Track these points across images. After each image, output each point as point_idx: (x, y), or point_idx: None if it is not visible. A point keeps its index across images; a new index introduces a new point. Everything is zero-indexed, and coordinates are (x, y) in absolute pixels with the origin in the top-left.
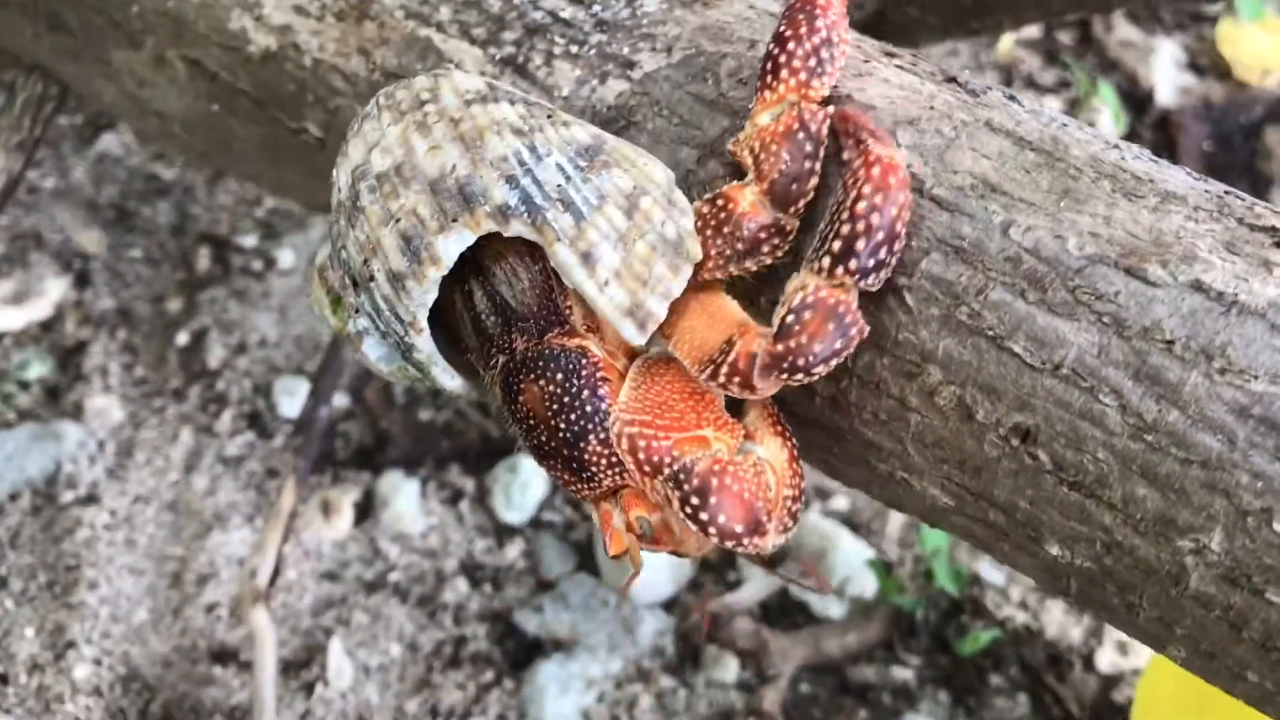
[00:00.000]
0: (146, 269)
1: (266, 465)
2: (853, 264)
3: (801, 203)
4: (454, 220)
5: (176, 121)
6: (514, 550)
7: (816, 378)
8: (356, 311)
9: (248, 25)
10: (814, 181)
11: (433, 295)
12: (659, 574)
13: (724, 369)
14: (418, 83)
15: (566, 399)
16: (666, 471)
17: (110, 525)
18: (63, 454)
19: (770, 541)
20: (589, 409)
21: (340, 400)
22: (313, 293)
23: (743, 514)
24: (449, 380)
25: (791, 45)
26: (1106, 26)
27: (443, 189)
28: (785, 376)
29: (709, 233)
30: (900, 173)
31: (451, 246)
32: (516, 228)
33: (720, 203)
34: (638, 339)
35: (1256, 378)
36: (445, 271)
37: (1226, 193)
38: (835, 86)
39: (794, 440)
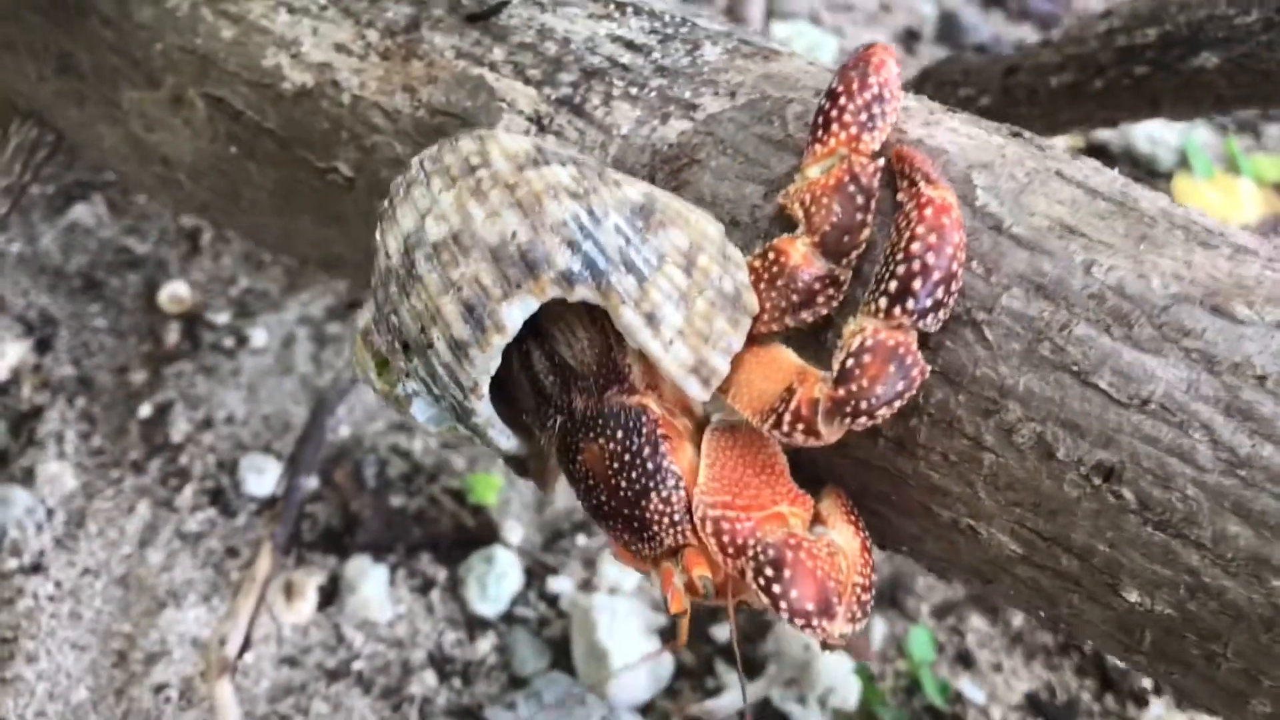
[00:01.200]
0: (111, 339)
1: (227, 544)
2: (910, 304)
3: (854, 254)
4: (518, 287)
5: (183, 168)
6: (486, 644)
7: (880, 420)
8: (408, 376)
9: (283, 62)
10: (866, 233)
11: (496, 362)
12: (637, 676)
13: (787, 417)
14: (464, 146)
15: (627, 457)
16: (750, 553)
17: (55, 597)
18: (9, 519)
19: (838, 628)
20: (650, 466)
21: (309, 481)
22: (356, 355)
23: (815, 592)
24: (505, 441)
25: (843, 100)
26: None
27: (505, 256)
28: (849, 421)
29: (763, 286)
30: (953, 212)
31: (516, 313)
32: (582, 293)
33: (773, 256)
34: (703, 395)
35: None
36: (510, 339)
37: None
38: (903, 132)
39: (866, 531)
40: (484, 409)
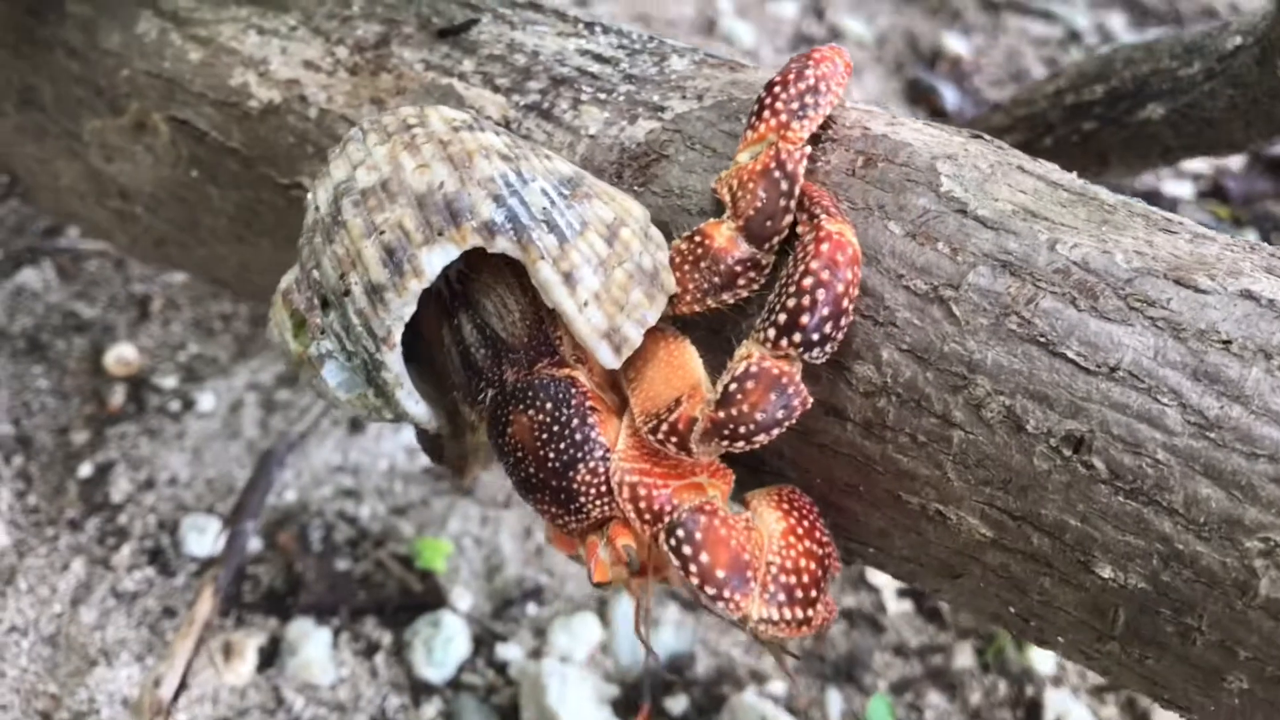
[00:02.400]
0: (54, 400)
1: (164, 603)
2: (797, 337)
3: (776, 239)
4: (439, 234)
5: (141, 199)
6: (431, 709)
7: (757, 445)
8: (323, 333)
9: (250, 80)
10: (788, 219)
11: (410, 309)
12: None
13: (663, 427)
14: (404, 110)
15: (556, 428)
16: (666, 520)
17: None
18: None
19: (755, 607)
20: (578, 437)
21: (252, 541)
22: (273, 316)
23: (727, 560)
24: (413, 405)
25: (778, 89)
26: None
27: (430, 204)
28: (725, 443)
29: (686, 267)
30: (849, 250)
31: (436, 259)
32: (502, 244)
33: (698, 239)
34: (613, 362)
35: None
36: (427, 284)
37: (1253, 243)
38: (867, 129)
39: (800, 521)
40: (394, 363)
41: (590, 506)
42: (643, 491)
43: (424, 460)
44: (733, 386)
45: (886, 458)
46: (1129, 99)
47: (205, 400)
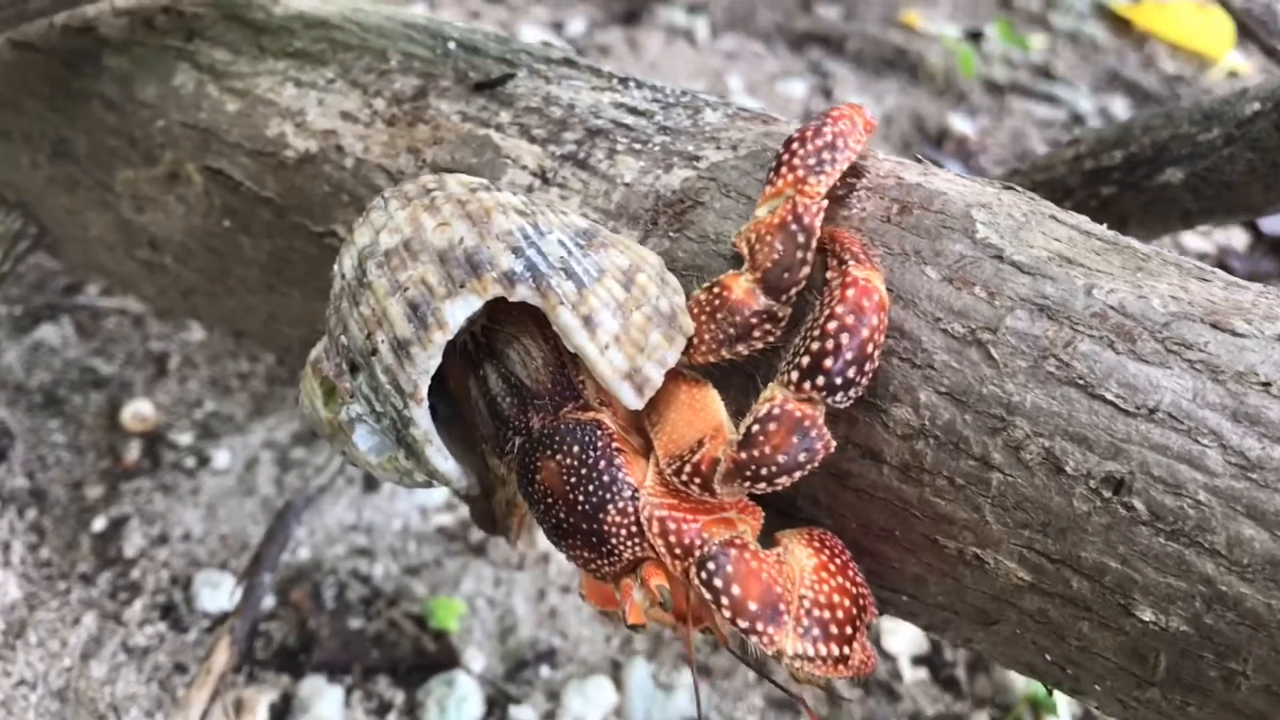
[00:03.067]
0: (69, 454)
1: (175, 659)
2: (820, 381)
3: (793, 291)
4: (461, 286)
5: (171, 249)
6: None
7: (780, 487)
8: (351, 396)
9: (287, 131)
10: (805, 271)
11: (435, 362)
12: None
13: (687, 469)
14: (423, 177)
15: (584, 470)
16: (697, 554)
17: None
18: None
19: (789, 641)
20: (606, 479)
21: (265, 600)
22: (304, 388)
23: (759, 593)
24: (442, 461)
25: (796, 145)
26: None
27: (451, 258)
28: (748, 484)
29: (704, 318)
30: (876, 296)
31: (459, 310)
32: (522, 292)
33: (716, 290)
34: (635, 403)
35: None
36: (450, 336)
37: None
38: (900, 179)
39: (829, 557)
40: (422, 418)
41: (622, 548)
42: (672, 526)
43: (437, 520)
44: (755, 428)
45: (924, 501)
46: (1148, 164)
47: (221, 457)
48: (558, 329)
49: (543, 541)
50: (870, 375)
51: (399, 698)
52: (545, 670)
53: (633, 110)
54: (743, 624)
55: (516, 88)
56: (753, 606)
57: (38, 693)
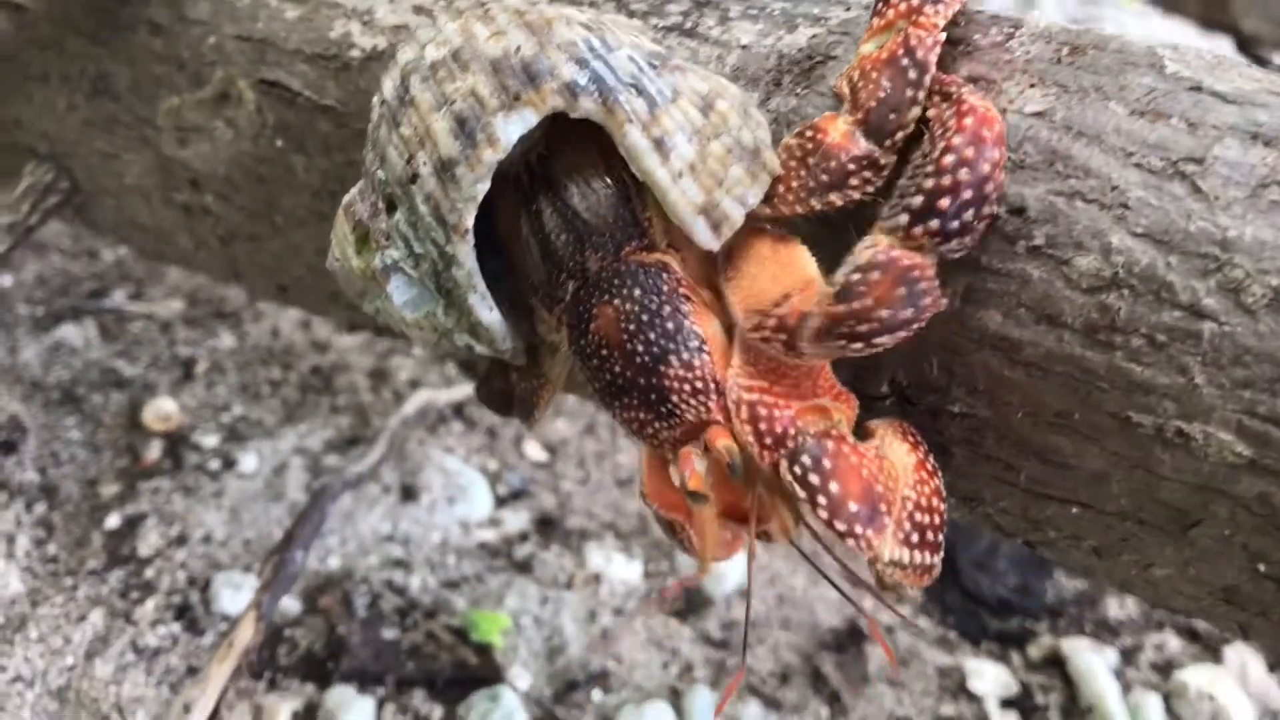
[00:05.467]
0: (84, 452)
1: (189, 661)
2: (934, 224)
3: (900, 135)
4: (516, 98)
5: (214, 185)
6: None
7: (878, 350)
8: (387, 239)
9: (353, 30)
10: (915, 111)
11: (484, 186)
12: None
13: (770, 322)
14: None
15: (645, 316)
16: (789, 445)
17: None
18: None
19: (888, 547)
20: (670, 326)
21: (291, 605)
22: (334, 236)
23: (859, 491)
24: (486, 311)
25: None
26: None
27: (506, 68)
28: (841, 344)
29: (793, 164)
30: (996, 126)
31: (513, 127)
32: (586, 106)
33: (809, 133)
34: (711, 242)
35: None
36: (502, 155)
37: None
38: (1064, 28)
39: (925, 454)
40: (466, 257)
41: (684, 407)
42: (763, 412)
43: (479, 535)
44: (855, 277)
45: (1114, 368)
46: None
47: (247, 461)
48: (624, 151)
49: (594, 559)
50: (988, 220)
51: (437, 713)
52: (598, 694)
53: None
54: (840, 526)
55: None
56: (852, 506)
57: (35, 690)
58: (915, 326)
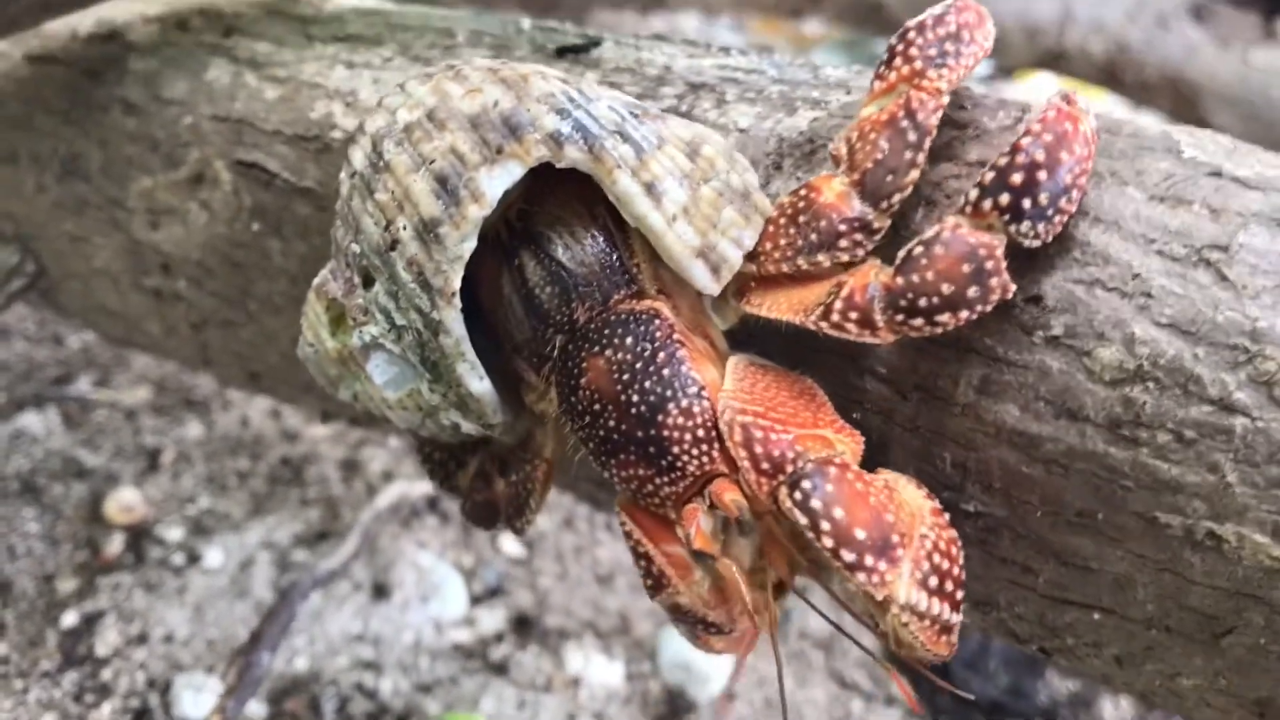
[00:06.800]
0: (42, 545)
1: None
2: (1005, 199)
3: (897, 198)
4: (499, 152)
5: (186, 270)
6: None
7: (938, 330)
8: (365, 314)
9: (335, 111)
10: (914, 175)
11: (470, 245)
12: None
13: (838, 305)
14: (446, 63)
15: (639, 364)
16: (789, 470)
17: None
18: None
19: (902, 587)
20: (666, 373)
21: (257, 709)
22: (305, 320)
23: (867, 519)
24: (477, 381)
25: (913, 34)
26: None
27: (485, 123)
28: (901, 319)
29: (783, 221)
30: (1082, 124)
31: (497, 181)
32: (571, 154)
33: (802, 192)
34: (711, 286)
35: None
36: (487, 212)
37: None
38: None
39: (939, 505)
40: (454, 323)
41: (685, 458)
42: (758, 434)
43: (453, 636)
44: (918, 250)
45: (1139, 466)
46: None
47: (213, 556)
48: (615, 198)
49: (573, 660)
50: (1067, 214)
51: None
52: None
53: (740, 69)
54: (848, 556)
55: (603, 54)
56: (860, 535)
57: None
58: (981, 309)
